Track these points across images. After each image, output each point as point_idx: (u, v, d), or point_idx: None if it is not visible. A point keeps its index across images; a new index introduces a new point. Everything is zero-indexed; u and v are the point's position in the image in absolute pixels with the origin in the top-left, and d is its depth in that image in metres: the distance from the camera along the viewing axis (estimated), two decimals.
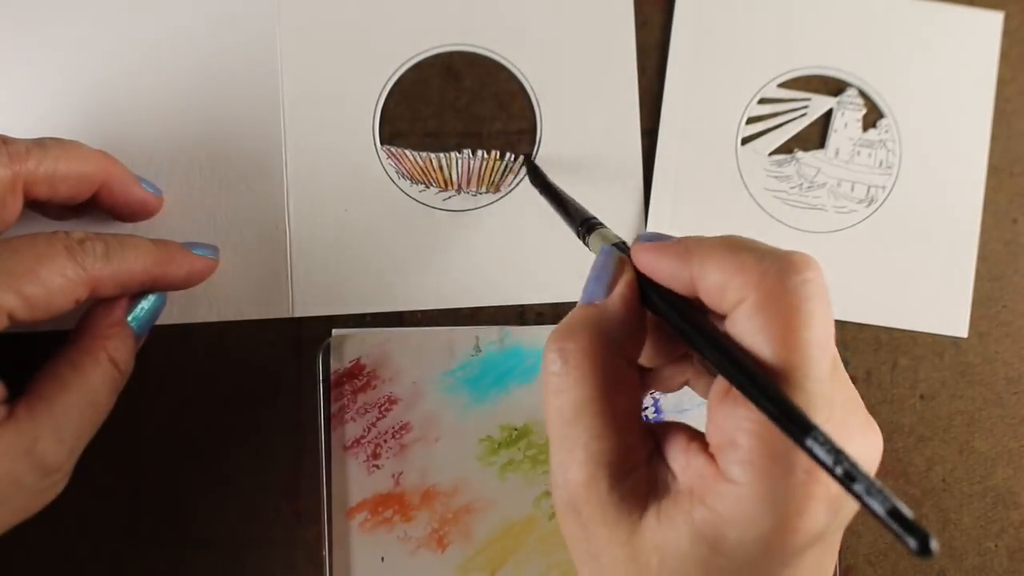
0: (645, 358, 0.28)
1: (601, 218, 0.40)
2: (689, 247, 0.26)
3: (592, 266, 0.28)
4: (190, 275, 0.35)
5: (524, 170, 0.40)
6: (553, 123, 0.40)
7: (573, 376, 0.26)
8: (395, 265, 0.39)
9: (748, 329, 0.24)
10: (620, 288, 0.27)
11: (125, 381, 0.34)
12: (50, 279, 0.30)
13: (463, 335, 0.39)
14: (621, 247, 0.29)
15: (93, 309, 0.34)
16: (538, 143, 0.40)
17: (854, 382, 0.39)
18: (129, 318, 0.35)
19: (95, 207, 0.35)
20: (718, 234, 0.27)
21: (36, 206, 0.34)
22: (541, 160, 0.40)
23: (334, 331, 0.39)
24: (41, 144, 0.32)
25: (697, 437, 0.26)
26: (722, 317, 0.25)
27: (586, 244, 0.32)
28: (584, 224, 0.32)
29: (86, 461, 0.38)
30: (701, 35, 0.41)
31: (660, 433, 0.27)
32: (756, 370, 0.23)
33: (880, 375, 0.40)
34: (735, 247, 0.25)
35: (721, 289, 0.25)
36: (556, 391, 0.26)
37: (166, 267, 0.34)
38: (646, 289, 0.27)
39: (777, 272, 0.24)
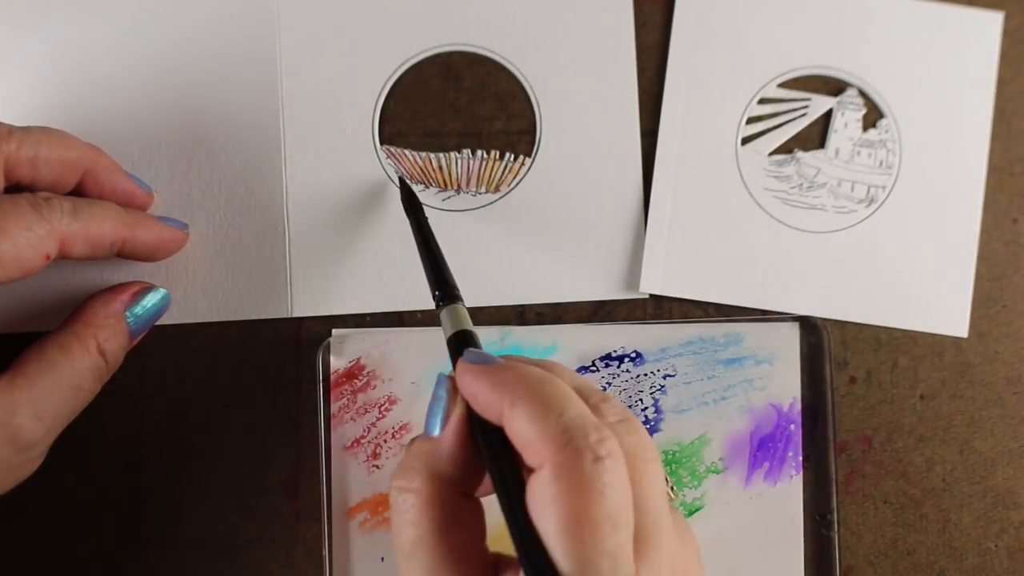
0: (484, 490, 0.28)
1: (601, 220, 0.40)
2: (503, 382, 0.26)
3: (432, 394, 0.28)
4: (160, 241, 0.36)
5: (527, 167, 0.40)
6: (553, 123, 0.40)
7: (411, 515, 0.26)
8: (395, 265, 0.39)
9: (543, 497, 0.24)
10: (452, 423, 0.27)
11: (111, 373, 0.34)
12: (16, 234, 0.30)
13: None
14: (465, 340, 0.29)
15: (92, 298, 0.35)
16: (538, 143, 0.40)
17: (854, 382, 0.40)
18: (128, 314, 0.35)
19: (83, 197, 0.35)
20: (552, 363, 0.26)
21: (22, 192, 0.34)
22: (541, 160, 0.40)
23: (334, 331, 0.39)
24: (25, 128, 0.33)
25: None
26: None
27: (437, 311, 0.31)
28: (443, 291, 0.32)
29: (86, 461, 0.38)
30: (701, 35, 0.41)
31: (503, 567, 0.26)
32: (536, 546, 0.23)
33: (880, 375, 0.40)
34: (546, 404, 0.25)
35: (525, 444, 0.25)
36: (397, 527, 0.26)
37: (134, 229, 0.35)
38: (472, 421, 0.27)
39: (573, 450, 0.24)
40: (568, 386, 0.26)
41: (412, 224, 0.36)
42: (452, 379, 0.28)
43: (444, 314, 0.31)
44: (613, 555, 0.23)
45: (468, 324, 0.30)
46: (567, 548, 0.23)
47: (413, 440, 0.28)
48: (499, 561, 0.26)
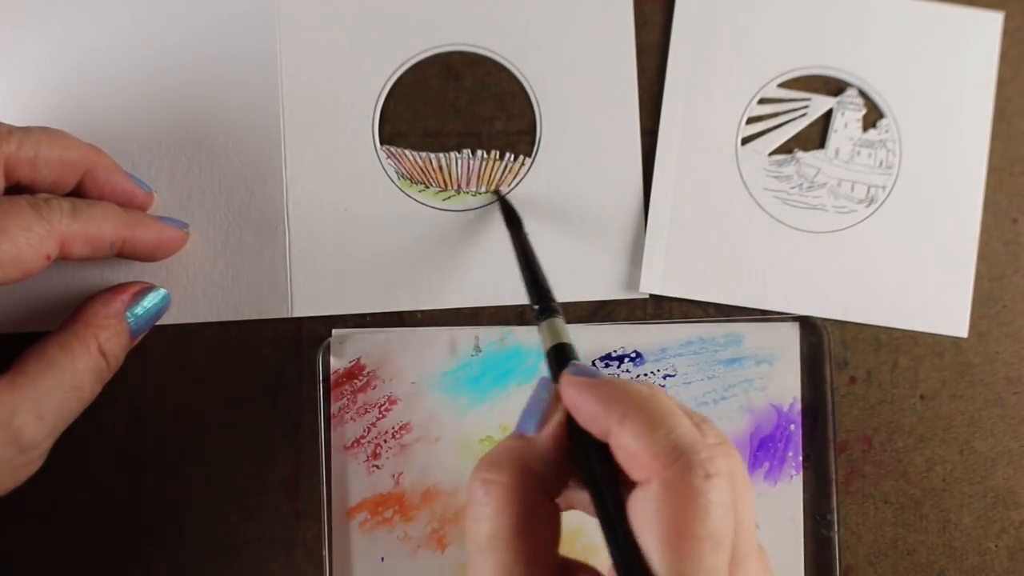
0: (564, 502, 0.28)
1: (601, 220, 0.40)
2: (612, 397, 0.26)
3: (530, 395, 0.29)
4: (160, 241, 0.36)
5: (527, 167, 0.40)
6: (553, 123, 0.40)
7: (491, 508, 0.26)
8: (395, 265, 0.39)
9: (647, 511, 0.24)
10: (552, 425, 0.27)
11: (112, 374, 0.34)
12: (16, 234, 0.31)
13: (463, 335, 0.39)
14: (564, 352, 0.29)
15: (93, 298, 0.35)
16: (538, 143, 0.40)
17: (854, 382, 0.40)
18: (128, 314, 0.35)
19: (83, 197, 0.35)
20: (640, 391, 0.26)
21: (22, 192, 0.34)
22: (541, 160, 0.40)
23: (334, 331, 0.39)
24: (25, 128, 0.33)
25: None
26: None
27: (536, 322, 0.32)
28: (542, 304, 0.32)
29: (86, 461, 0.38)
30: (701, 35, 0.41)
31: (574, 570, 0.27)
32: (635, 558, 0.24)
33: (880, 375, 0.40)
34: (654, 420, 0.25)
35: (631, 457, 0.25)
36: (474, 519, 0.26)
37: (134, 229, 0.35)
38: (571, 431, 0.27)
39: (683, 466, 0.24)
40: (675, 403, 0.26)
41: (513, 239, 0.37)
42: (555, 384, 0.28)
43: (544, 326, 0.31)
44: (710, 574, 0.23)
45: (567, 337, 0.30)
46: (666, 562, 0.23)
47: (507, 438, 0.28)
48: (566, 563, 0.27)
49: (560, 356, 0.30)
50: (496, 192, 0.38)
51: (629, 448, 0.25)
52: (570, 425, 0.27)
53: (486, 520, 0.26)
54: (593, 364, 0.39)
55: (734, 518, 0.24)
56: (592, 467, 0.26)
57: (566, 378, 0.27)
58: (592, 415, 0.26)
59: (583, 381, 0.27)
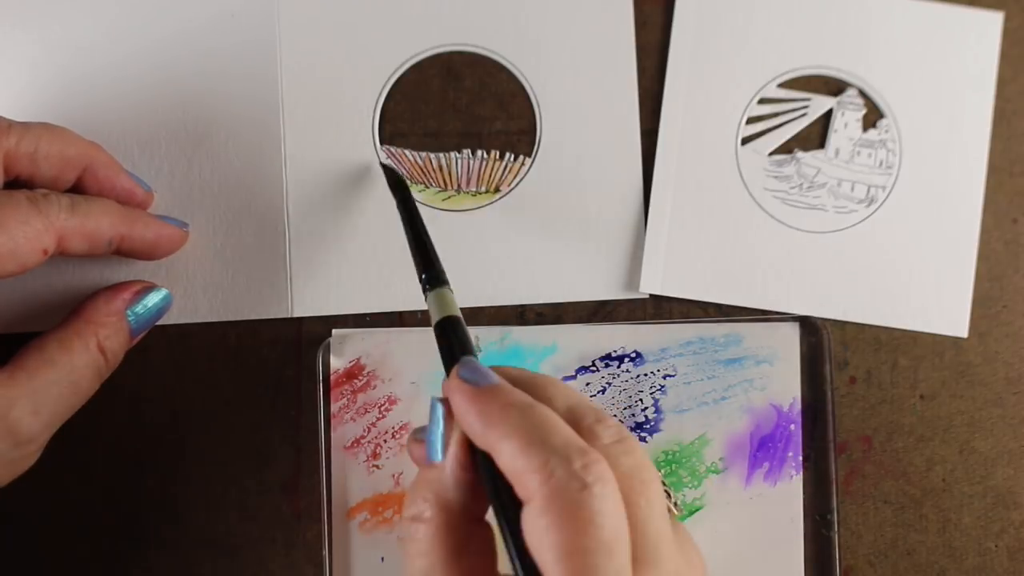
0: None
1: (601, 220, 0.40)
2: (490, 414, 0.25)
3: (429, 417, 0.28)
4: (159, 239, 0.36)
5: (527, 167, 0.40)
6: (553, 123, 0.40)
7: (420, 545, 0.26)
8: (395, 265, 0.39)
9: (536, 529, 0.23)
10: (451, 452, 0.26)
11: (110, 371, 0.34)
12: (14, 228, 0.31)
13: None
14: (452, 330, 0.29)
15: (94, 295, 0.35)
16: (538, 143, 0.40)
17: (854, 382, 0.40)
18: (129, 312, 0.35)
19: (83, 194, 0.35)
20: (551, 385, 0.26)
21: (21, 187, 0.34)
22: (541, 160, 0.40)
23: (334, 331, 0.39)
24: (25, 123, 0.33)
25: None
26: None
27: (424, 295, 0.31)
28: (429, 273, 0.31)
29: (86, 461, 0.38)
30: (701, 35, 0.41)
31: None
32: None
33: (880, 375, 0.40)
34: (531, 435, 0.24)
35: (514, 476, 0.24)
36: (407, 556, 0.26)
37: (133, 226, 0.35)
38: (470, 449, 0.26)
39: (558, 480, 0.23)
40: (553, 413, 0.25)
41: (399, 205, 0.35)
42: (446, 403, 0.27)
43: (431, 298, 0.30)
44: None
45: (455, 310, 0.30)
46: None
47: (423, 468, 0.28)
48: None
49: (446, 333, 0.29)
50: (383, 164, 0.36)
51: (509, 467, 0.24)
52: (468, 443, 0.26)
53: (419, 557, 0.26)
54: (593, 364, 0.39)
55: (625, 519, 0.24)
56: (491, 486, 0.25)
57: (452, 383, 0.27)
58: (475, 432, 0.25)
59: (467, 390, 0.26)
